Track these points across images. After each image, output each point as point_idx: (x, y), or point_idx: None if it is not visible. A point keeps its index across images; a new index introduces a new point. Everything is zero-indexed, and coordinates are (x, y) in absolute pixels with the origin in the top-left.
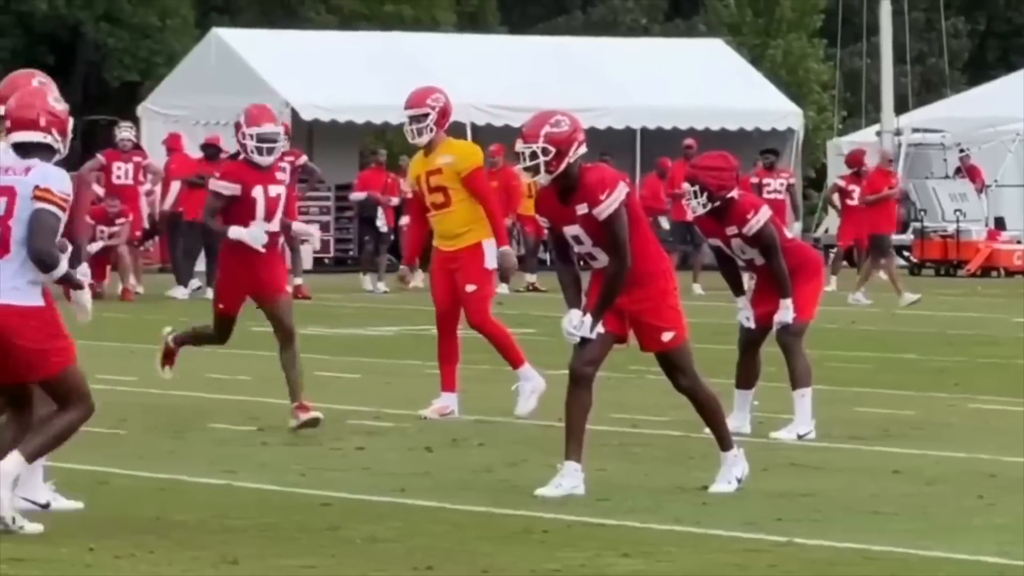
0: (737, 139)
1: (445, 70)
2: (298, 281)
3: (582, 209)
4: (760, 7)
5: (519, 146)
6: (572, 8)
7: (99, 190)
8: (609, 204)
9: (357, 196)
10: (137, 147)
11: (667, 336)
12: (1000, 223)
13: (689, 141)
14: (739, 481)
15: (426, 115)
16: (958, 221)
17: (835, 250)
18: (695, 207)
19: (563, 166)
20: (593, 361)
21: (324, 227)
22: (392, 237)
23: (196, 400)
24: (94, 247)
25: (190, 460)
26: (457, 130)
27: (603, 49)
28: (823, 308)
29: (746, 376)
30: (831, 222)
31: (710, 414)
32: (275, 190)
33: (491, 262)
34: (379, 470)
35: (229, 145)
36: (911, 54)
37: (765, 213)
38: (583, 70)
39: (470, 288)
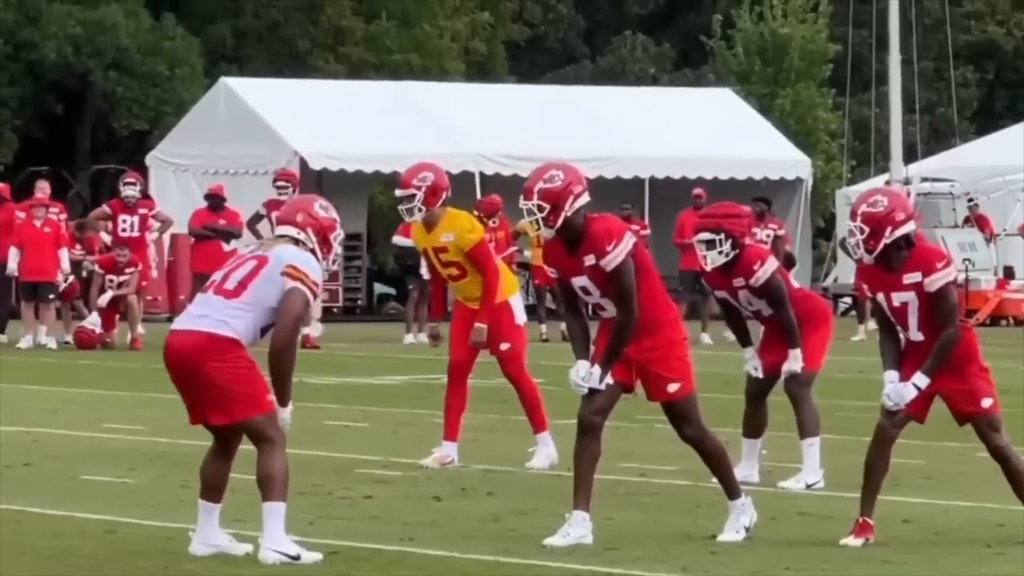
0: (746, 188)
1: (454, 119)
2: (306, 331)
3: (589, 260)
4: (768, 56)
5: (521, 202)
6: (581, 57)
7: (107, 239)
8: (616, 255)
9: (404, 241)
10: (146, 196)
11: (673, 387)
12: (1009, 272)
13: (698, 191)
14: (747, 530)
15: (413, 196)
16: (967, 270)
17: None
18: (714, 258)
19: (561, 219)
20: (601, 411)
21: (333, 276)
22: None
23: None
24: (104, 298)
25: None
26: (466, 180)
27: (612, 98)
28: (832, 358)
29: (754, 425)
30: (840, 271)
31: (716, 463)
32: None
33: (520, 317)
34: (387, 519)
35: (233, 194)
36: (920, 103)
37: (772, 264)
38: (592, 119)
39: (504, 347)
